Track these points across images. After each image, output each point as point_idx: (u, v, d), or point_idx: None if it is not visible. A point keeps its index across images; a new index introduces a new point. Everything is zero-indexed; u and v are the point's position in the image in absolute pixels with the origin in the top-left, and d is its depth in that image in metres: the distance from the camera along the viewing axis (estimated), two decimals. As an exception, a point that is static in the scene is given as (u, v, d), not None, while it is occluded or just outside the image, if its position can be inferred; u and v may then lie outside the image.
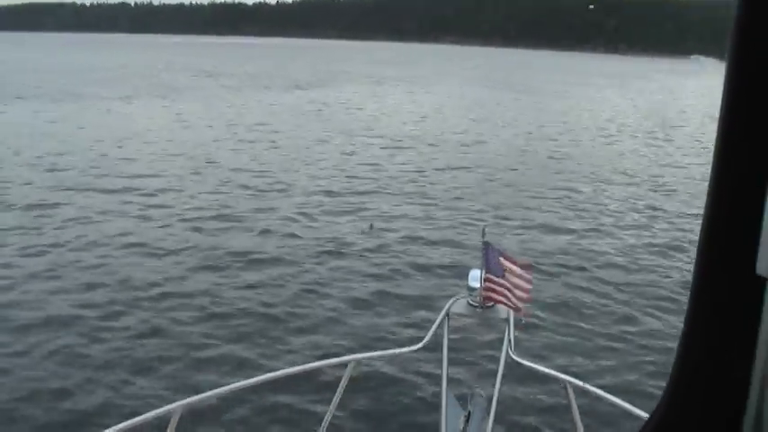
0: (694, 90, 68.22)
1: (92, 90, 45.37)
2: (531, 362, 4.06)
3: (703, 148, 29.17)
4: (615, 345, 9.60)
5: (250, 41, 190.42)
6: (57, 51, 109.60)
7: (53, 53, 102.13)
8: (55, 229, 14.36)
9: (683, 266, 13.06)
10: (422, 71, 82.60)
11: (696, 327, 0.79)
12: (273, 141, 27.25)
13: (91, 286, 11.23)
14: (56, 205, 16.27)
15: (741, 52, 0.69)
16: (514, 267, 3.68)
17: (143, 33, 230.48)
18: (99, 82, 52.44)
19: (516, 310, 3.69)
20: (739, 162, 0.70)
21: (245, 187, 18.80)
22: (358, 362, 3.84)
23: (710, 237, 0.75)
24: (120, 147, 24.85)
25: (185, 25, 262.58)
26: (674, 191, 20.40)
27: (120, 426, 3.04)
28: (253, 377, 3.72)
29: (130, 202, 16.73)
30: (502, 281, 3.64)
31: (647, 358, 9.16)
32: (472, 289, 3.79)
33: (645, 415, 3.28)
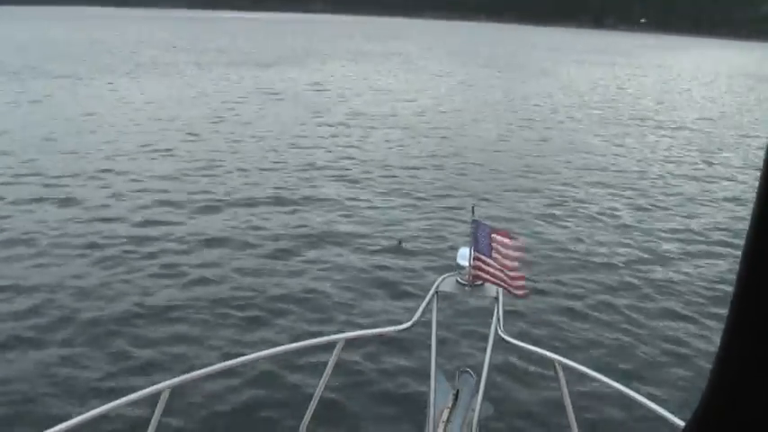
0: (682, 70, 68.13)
1: (55, 67, 43.33)
2: (520, 340, 4.06)
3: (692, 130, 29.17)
4: (603, 324, 9.68)
5: (230, 15, 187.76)
6: (28, 25, 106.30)
7: (24, 27, 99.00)
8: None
9: (672, 248, 13.21)
10: (406, 47, 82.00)
11: (737, 345, 0.72)
12: (239, 124, 25.79)
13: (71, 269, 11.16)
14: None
15: None
16: (507, 241, 3.63)
17: (122, 7, 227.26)
18: (65, 57, 50.69)
19: (506, 287, 3.68)
20: None
21: (229, 169, 18.53)
22: (347, 340, 3.83)
23: (759, 246, 0.66)
24: (76, 126, 23.83)
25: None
26: (667, 173, 20.45)
27: (111, 405, 3.02)
28: (242, 356, 3.70)
29: (94, 185, 16.23)
30: (491, 259, 3.62)
31: (634, 338, 9.24)
32: (461, 267, 3.77)
33: (633, 393, 3.30)
